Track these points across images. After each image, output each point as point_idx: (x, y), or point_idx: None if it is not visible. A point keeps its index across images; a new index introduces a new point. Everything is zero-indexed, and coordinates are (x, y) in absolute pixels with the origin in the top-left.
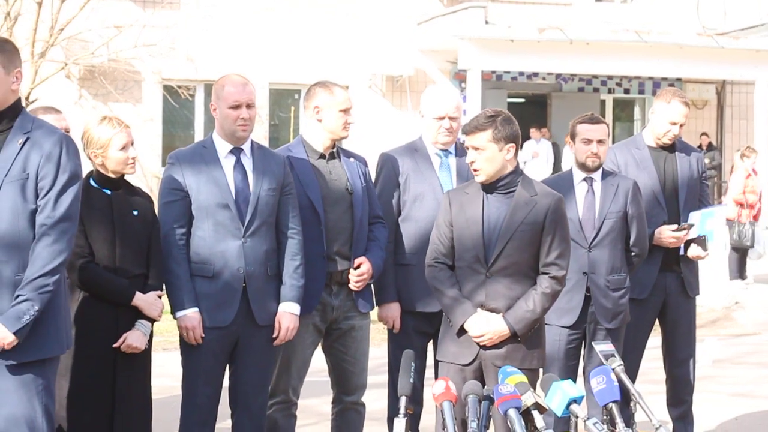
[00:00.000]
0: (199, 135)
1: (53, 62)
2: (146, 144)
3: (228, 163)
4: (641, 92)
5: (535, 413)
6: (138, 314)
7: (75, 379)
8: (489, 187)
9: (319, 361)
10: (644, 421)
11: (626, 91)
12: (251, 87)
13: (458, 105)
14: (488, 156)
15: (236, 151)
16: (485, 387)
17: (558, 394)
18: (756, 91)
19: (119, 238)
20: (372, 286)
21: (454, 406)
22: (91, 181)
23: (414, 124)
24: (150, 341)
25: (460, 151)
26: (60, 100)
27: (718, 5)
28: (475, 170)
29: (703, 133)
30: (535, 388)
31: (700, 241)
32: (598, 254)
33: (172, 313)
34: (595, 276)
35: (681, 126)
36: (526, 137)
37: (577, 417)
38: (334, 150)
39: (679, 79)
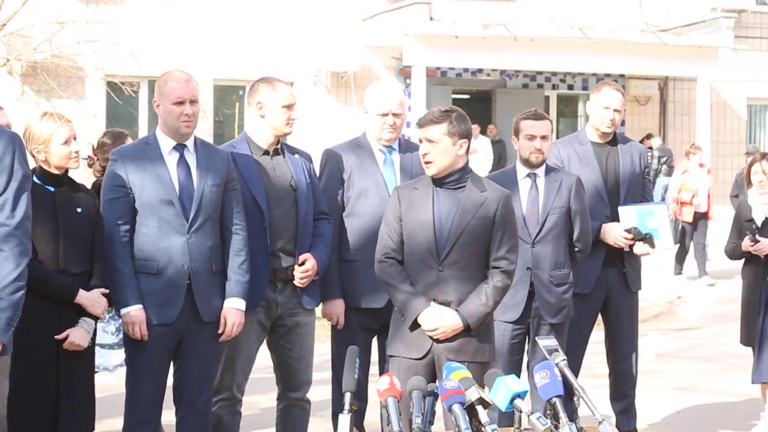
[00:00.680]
0: (143, 131)
1: None
2: (89, 140)
3: (171, 159)
4: (585, 88)
5: (480, 408)
6: (81, 312)
7: (16, 378)
8: (439, 182)
9: (263, 357)
10: (587, 415)
11: (570, 88)
12: (194, 83)
13: (402, 101)
14: (441, 149)
15: (180, 148)
16: (437, 381)
17: (502, 389)
18: (698, 87)
19: (63, 236)
20: (317, 282)
21: (398, 401)
22: (35, 178)
23: (359, 120)
24: (93, 339)
25: (404, 147)
26: (1, 97)
27: (660, 2)
28: (427, 162)
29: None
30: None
31: (647, 238)
32: (542, 250)
33: (117, 310)
34: (539, 271)
35: (616, 112)
36: None
37: (521, 412)
38: (279, 146)
39: (622, 76)
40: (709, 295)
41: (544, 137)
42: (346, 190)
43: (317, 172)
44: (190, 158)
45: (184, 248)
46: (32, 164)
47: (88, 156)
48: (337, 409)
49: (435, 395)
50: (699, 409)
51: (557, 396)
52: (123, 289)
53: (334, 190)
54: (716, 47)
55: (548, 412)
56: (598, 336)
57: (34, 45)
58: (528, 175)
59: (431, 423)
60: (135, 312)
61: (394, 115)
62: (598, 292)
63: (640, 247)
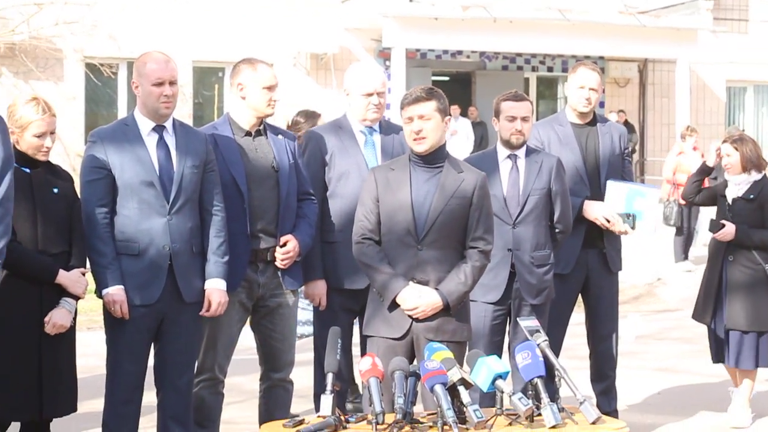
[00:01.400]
0: (122, 113)
1: None
2: (68, 122)
3: (151, 140)
4: (564, 70)
5: (461, 389)
6: (62, 292)
7: (0, 359)
8: (420, 161)
9: (246, 339)
10: (569, 396)
11: (550, 69)
12: (173, 64)
13: (384, 81)
14: (434, 125)
15: (159, 129)
16: (415, 361)
17: (484, 370)
18: (677, 69)
19: (41, 217)
20: (300, 263)
21: (380, 382)
22: None
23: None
24: (74, 319)
25: (385, 128)
26: None
27: None
28: (421, 138)
29: (620, 111)
30: (463, 360)
31: (627, 217)
32: (523, 231)
33: (97, 291)
34: (520, 252)
35: (592, 90)
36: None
37: (502, 392)
38: (261, 127)
39: (601, 58)
40: (690, 278)
41: (524, 118)
42: (327, 172)
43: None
44: (170, 139)
45: (165, 229)
46: None
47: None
48: (319, 389)
49: (417, 376)
50: (679, 390)
51: (539, 377)
52: (104, 271)
53: (317, 170)
54: (695, 29)
55: (530, 392)
56: (578, 317)
57: (12, 26)
58: (508, 157)
59: (413, 403)
60: (116, 290)
61: (378, 94)
62: (578, 272)
63: (618, 225)
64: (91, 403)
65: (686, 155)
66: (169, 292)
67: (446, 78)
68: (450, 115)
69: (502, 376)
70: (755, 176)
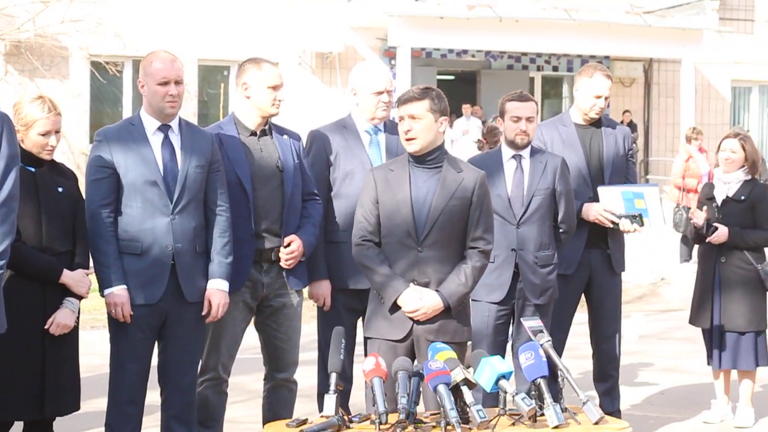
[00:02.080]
0: (127, 111)
1: None
2: (73, 120)
3: (156, 140)
4: (570, 70)
5: (465, 389)
6: (65, 292)
7: (3, 359)
8: (417, 162)
9: (250, 338)
10: (572, 396)
11: (555, 69)
12: (179, 63)
13: (392, 80)
14: (425, 125)
15: (164, 128)
16: (416, 362)
17: (487, 370)
18: (682, 69)
19: (45, 216)
20: (305, 263)
21: (384, 382)
22: None
23: (344, 101)
24: (77, 319)
25: (390, 128)
26: None
27: None
28: (410, 139)
29: (626, 111)
30: (464, 361)
31: (636, 218)
32: (527, 231)
33: (100, 290)
34: (524, 252)
35: (606, 99)
36: (459, 114)
37: (505, 392)
38: (266, 127)
39: (607, 57)
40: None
41: (529, 119)
42: (332, 172)
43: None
44: (175, 139)
45: (168, 229)
46: None
47: (478, 140)
48: (323, 389)
49: (420, 376)
50: (682, 390)
51: (542, 377)
52: (107, 270)
53: (321, 170)
54: (701, 29)
55: (533, 392)
56: (581, 317)
57: (18, 24)
58: (513, 157)
59: (416, 403)
60: (118, 292)
61: (388, 92)
62: (581, 273)
63: (626, 224)
64: (94, 402)
65: (694, 159)
66: (172, 291)
67: (451, 77)
68: (446, 116)
69: (505, 376)
70: (745, 177)
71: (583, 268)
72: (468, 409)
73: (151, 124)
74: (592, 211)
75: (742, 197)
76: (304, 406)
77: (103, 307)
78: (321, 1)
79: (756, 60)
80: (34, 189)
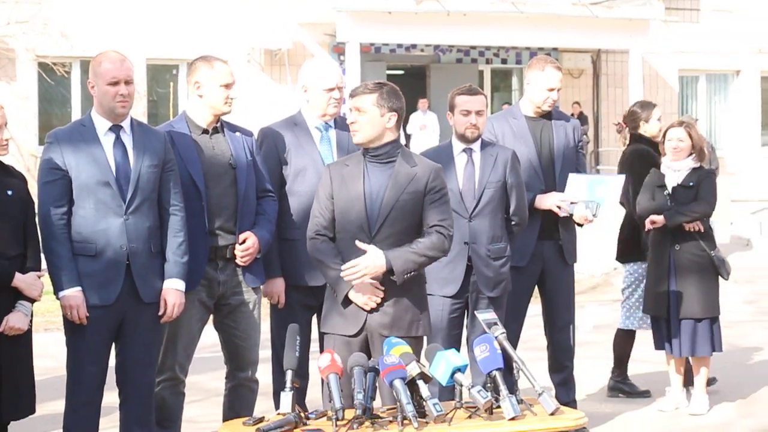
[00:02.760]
0: (76, 112)
1: None
2: (22, 123)
3: (108, 140)
4: (518, 62)
5: (421, 383)
6: (17, 295)
7: None
8: (369, 157)
9: (207, 337)
10: (527, 387)
11: (504, 62)
12: (129, 63)
13: (342, 76)
14: (369, 118)
15: (116, 129)
16: (371, 358)
17: (442, 364)
18: (630, 60)
19: None
20: (260, 260)
21: (340, 378)
22: None
23: (293, 98)
24: (31, 322)
25: (340, 124)
26: None
27: None
28: (353, 131)
29: (575, 102)
30: (420, 357)
31: (591, 206)
32: (479, 224)
33: (55, 293)
34: (477, 246)
35: (558, 91)
36: (413, 109)
37: (461, 385)
38: (218, 125)
39: (555, 49)
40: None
41: (479, 112)
42: (284, 169)
43: None
44: (127, 139)
45: (122, 229)
46: None
47: (617, 123)
48: (278, 387)
49: (376, 371)
50: (636, 379)
51: (497, 369)
52: (61, 272)
53: (273, 168)
54: (647, 19)
55: (488, 385)
56: (535, 309)
57: None
58: (464, 150)
59: (373, 398)
60: (73, 294)
61: (339, 89)
62: (534, 264)
63: (580, 210)
64: (49, 405)
65: None
66: (128, 292)
67: (401, 72)
68: (396, 113)
69: (461, 369)
70: (694, 164)
71: (536, 260)
72: (424, 403)
73: (102, 124)
74: (548, 201)
75: (691, 183)
76: (260, 404)
77: (57, 309)
78: None
79: (702, 49)
80: None
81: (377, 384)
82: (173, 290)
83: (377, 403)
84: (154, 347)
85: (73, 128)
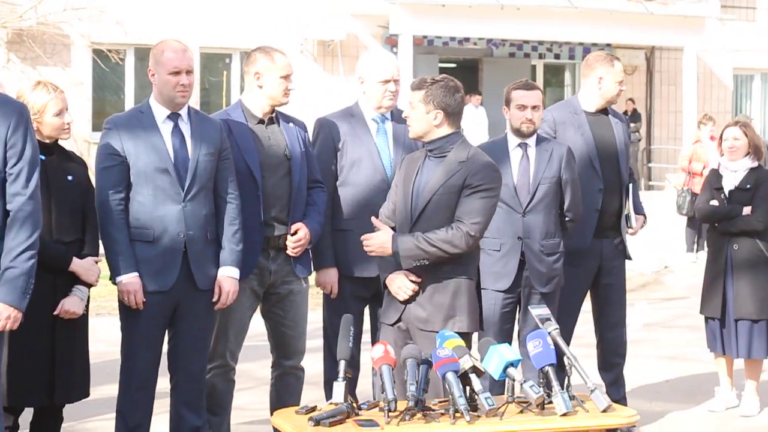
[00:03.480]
0: (129, 99)
1: None
2: (76, 109)
3: (166, 128)
4: (571, 58)
5: (473, 376)
6: (75, 280)
7: (14, 346)
8: (428, 151)
9: (257, 325)
10: (579, 384)
11: (557, 57)
12: (190, 53)
13: (399, 69)
14: (416, 115)
15: (174, 117)
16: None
17: (495, 358)
18: (684, 57)
19: (55, 204)
20: (310, 251)
21: (392, 369)
22: None
23: (345, 89)
24: (87, 306)
25: (397, 116)
26: None
27: None
28: (408, 124)
29: (629, 99)
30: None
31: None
32: (533, 219)
33: (111, 278)
34: (530, 241)
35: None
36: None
37: (514, 380)
38: (273, 115)
39: (609, 45)
40: (696, 266)
41: (535, 107)
42: (339, 159)
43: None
44: (184, 127)
45: (180, 216)
46: None
47: None
48: (330, 377)
49: (429, 363)
50: (686, 379)
51: (550, 365)
52: (118, 257)
53: (328, 158)
54: (703, 17)
55: (541, 380)
56: (585, 305)
57: (20, 12)
58: (519, 145)
59: (425, 390)
60: (130, 279)
61: (395, 81)
62: (592, 261)
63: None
64: (103, 389)
65: (702, 144)
66: (184, 279)
67: (453, 65)
68: (443, 110)
69: (513, 364)
70: (752, 163)
71: (594, 257)
72: (476, 397)
73: (160, 112)
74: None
75: (748, 186)
76: (310, 393)
77: (109, 294)
78: None
79: (758, 48)
80: (44, 178)
81: (429, 376)
82: (228, 278)
83: (428, 396)
84: (206, 334)
85: (131, 115)
